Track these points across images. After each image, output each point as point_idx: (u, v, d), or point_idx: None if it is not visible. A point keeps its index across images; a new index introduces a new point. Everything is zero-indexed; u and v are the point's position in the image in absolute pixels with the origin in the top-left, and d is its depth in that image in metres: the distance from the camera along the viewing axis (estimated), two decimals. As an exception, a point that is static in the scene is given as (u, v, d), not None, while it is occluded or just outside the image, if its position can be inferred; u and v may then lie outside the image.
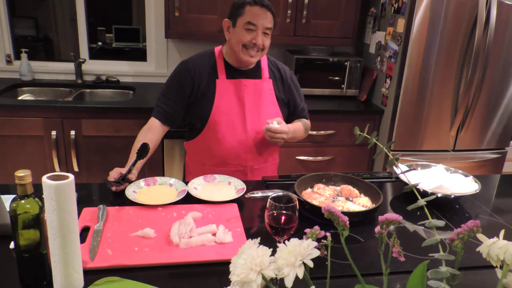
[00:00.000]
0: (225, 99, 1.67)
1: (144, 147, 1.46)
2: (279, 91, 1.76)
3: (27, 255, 0.94)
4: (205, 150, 1.73)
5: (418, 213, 1.42)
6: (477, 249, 0.66)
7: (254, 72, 1.72)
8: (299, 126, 1.81)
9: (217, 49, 1.74)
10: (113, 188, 1.43)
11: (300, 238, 0.71)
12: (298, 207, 1.00)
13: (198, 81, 1.67)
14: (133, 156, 1.55)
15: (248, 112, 1.69)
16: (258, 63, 1.74)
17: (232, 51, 1.65)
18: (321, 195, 1.44)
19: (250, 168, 1.73)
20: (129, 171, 1.45)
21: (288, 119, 1.83)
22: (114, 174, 1.44)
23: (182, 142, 1.98)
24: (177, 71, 1.71)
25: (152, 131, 1.66)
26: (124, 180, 1.43)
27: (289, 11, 2.73)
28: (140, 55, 3.25)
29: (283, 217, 1.00)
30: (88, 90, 2.94)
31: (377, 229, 0.72)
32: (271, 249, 0.70)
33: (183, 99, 1.68)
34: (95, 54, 3.22)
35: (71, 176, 0.88)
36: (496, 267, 0.65)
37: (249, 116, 1.69)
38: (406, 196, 1.57)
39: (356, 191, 1.49)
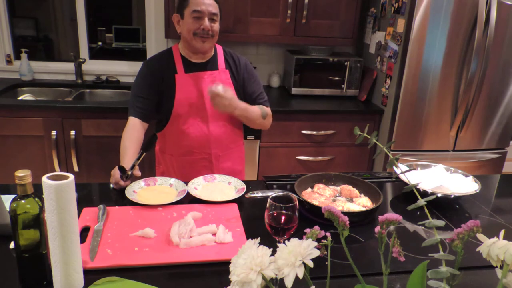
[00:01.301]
0: (186, 92, 1.75)
1: (152, 140, 1.49)
2: (236, 80, 1.83)
3: (27, 255, 0.94)
4: (171, 141, 1.81)
5: (418, 213, 1.42)
6: (477, 249, 0.66)
7: (211, 64, 1.80)
8: (254, 108, 1.84)
9: (174, 46, 1.82)
10: (122, 183, 1.42)
11: (300, 238, 0.71)
12: (298, 207, 1.00)
13: (160, 77, 1.75)
14: (125, 155, 1.55)
15: (208, 102, 1.74)
16: (214, 55, 1.81)
17: (185, 42, 1.74)
18: (321, 195, 1.44)
19: (214, 155, 1.82)
20: (133, 166, 1.45)
21: None
22: (117, 174, 1.44)
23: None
24: (141, 70, 1.79)
25: (136, 130, 1.70)
26: (128, 177, 1.43)
27: (289, 11, 2.73)
28: (140, 55, 3.25)
29: (283, 217, 1.00)
30: (88, 90, 2.94)
31: (377, 229, 0.71)
32: (271, 249, 0.70)
33: (154, 95, 1.75)
34: (95, 54, 3.21)
35: (71, 176, 0.88)
36: (496, 267, 0.65)
37: (209, 107, 1.74)
38: (406, 196, 1.57)
39: (356, 191, 1.49)
